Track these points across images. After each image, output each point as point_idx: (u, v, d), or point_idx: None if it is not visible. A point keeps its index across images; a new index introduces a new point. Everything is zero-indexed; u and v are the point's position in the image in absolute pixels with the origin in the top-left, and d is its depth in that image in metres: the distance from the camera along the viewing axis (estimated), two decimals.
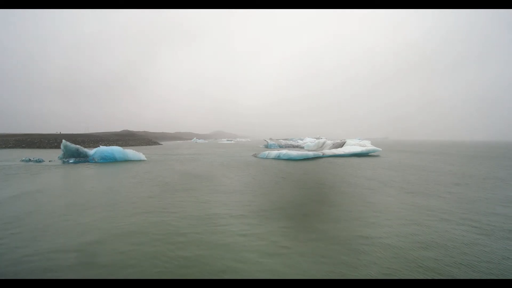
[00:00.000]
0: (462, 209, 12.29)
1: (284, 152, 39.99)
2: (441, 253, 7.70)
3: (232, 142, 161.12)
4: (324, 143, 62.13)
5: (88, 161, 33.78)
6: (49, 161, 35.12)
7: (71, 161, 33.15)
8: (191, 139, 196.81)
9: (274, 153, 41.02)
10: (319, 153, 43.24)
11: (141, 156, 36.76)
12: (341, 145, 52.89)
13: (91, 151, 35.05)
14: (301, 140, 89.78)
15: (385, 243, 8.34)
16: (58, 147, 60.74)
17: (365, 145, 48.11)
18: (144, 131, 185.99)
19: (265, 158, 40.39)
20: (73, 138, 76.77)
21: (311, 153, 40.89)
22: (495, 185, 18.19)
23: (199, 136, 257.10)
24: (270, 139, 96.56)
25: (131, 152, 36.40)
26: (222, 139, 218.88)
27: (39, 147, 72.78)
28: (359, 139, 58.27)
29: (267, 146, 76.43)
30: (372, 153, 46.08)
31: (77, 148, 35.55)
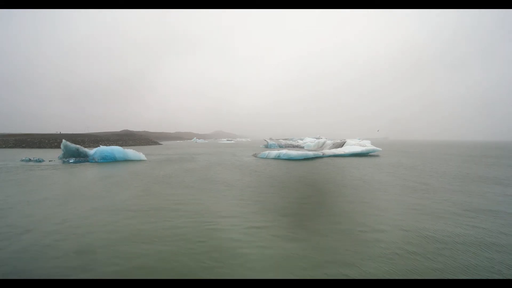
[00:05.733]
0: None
1: (284, 152, 39.98)
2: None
3: (232, 142, 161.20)
4: (324, 143, 62.13)
5: (88, 161, 33.78)
6: (49, 161, 35.12)
7: (71, 161, 33.15)
8: (191, 139, 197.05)
9: (274, 153, 41.01)
10: (319, 153, 43.23)
11: (141, 156, 36.77)
12: (341, 145, 52.89)
13: (91, 151, 35.06)
14: (301, 140, 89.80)
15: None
16: (58, 147, 60.83)
17: (365, 145, 48.10)
18: (144, 131, 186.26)
19: (265, 158, 40.37)
20: (73, 138, 76.84)
21: (311, 153, 40.88)
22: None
23: (199, 136, 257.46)
24: (270, 139, 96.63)
25: (131, 152, 36.40)
26: (222, 139, 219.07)
27: (39, 147, 72.82)
28: (359, 139, 58.30)
29: (267, 146, 76.42)
30: (372, 153, 46.08)
31: (77, 148, 35.58)
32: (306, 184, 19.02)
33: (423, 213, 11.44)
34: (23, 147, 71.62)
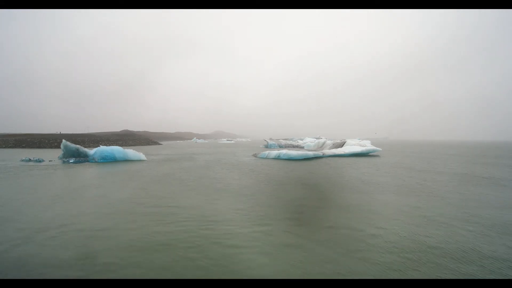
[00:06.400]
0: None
1: (284, 152, 39.97)
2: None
3: (232, 142, 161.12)
4: (324, 143, 62.11)
5: (88, 161, 33.78)
6: (49, 160, 35.12)
7: (71, 161, 33.15)
8: (191, 139, 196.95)
9: (274, 153, 41.00)
10: (319, 153, 43.22)
11: (141, 156, 36.78)
12: (341, 145, 52.88)
13: (91, 151, 35.06)
14: (301, 140, 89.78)
15: None
16: (58, 147, 60.82)
17: (365, 145, 48.09)
18: (144, 131, 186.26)
19: (265, 158, 40.37)
20: (73, 138, 76.86)
21: (311, 153, 40.87)
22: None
23: (199, 136, 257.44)
24: (270, 139, 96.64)
25: (131, 152, 36.41)
26: (222, 139, 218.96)
27: (39, 147, 72.82)
28: (359, 139, 58.28)
29: (267, 146, 76.42)
30: (372, 153, 46.07)
31: (77, 148, 35.59)
32: (305, 184, 19.00)
33: (419, 216, 11.26)
34: (23, 147, 71.61)
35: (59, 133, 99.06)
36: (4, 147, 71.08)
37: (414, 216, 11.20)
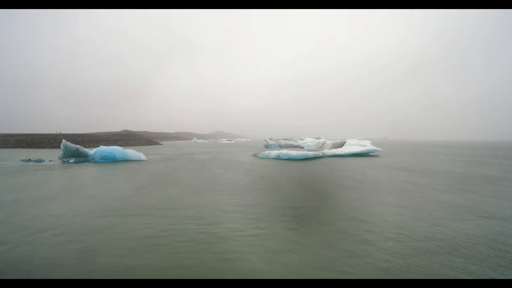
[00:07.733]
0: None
1: (284, 152, 39.96)
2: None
3: (232, 142, 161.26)
4: (324, 143, 62.08)
5: (88, 161, 33.78)
6: (49, 160, 35.11)
7: (71, 161, 33.15)
8: (191, 139, 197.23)
9: (274, 153, 41.00)
10: (319, 153, 43.21)
11: (141, 156, 36.78)
12: (341, 145, 52.87)
13: (91, 151, 35.05)
14: (301, 140, 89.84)
15: None
16: (58, 147, 60.91)
17: (365, 145, 48.09)
18: (144, 131, 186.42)
19: (265, 158, 40.37)
20: (73, 138, 76.86)
21: (311, 153, 40.86)
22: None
23: (199, 136, 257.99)
24: (270, 139, 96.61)
25: (131, 152, 36.41)
26: (222, 139, 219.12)
27: (39, 147, 72.82)
28: (358, 139, 58.27)
29: (267, 146, 76.47)
30: (372, 153, 46.07)
31: (77, 148, 35.58)
32: (303, 185, 18.97)
33: (415, 219, 11.04)
34: (23, 147, 71.60)
35: (59, 133, 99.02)
36: (4, 147, 71.07)
37: (409, 220, 11.11)
